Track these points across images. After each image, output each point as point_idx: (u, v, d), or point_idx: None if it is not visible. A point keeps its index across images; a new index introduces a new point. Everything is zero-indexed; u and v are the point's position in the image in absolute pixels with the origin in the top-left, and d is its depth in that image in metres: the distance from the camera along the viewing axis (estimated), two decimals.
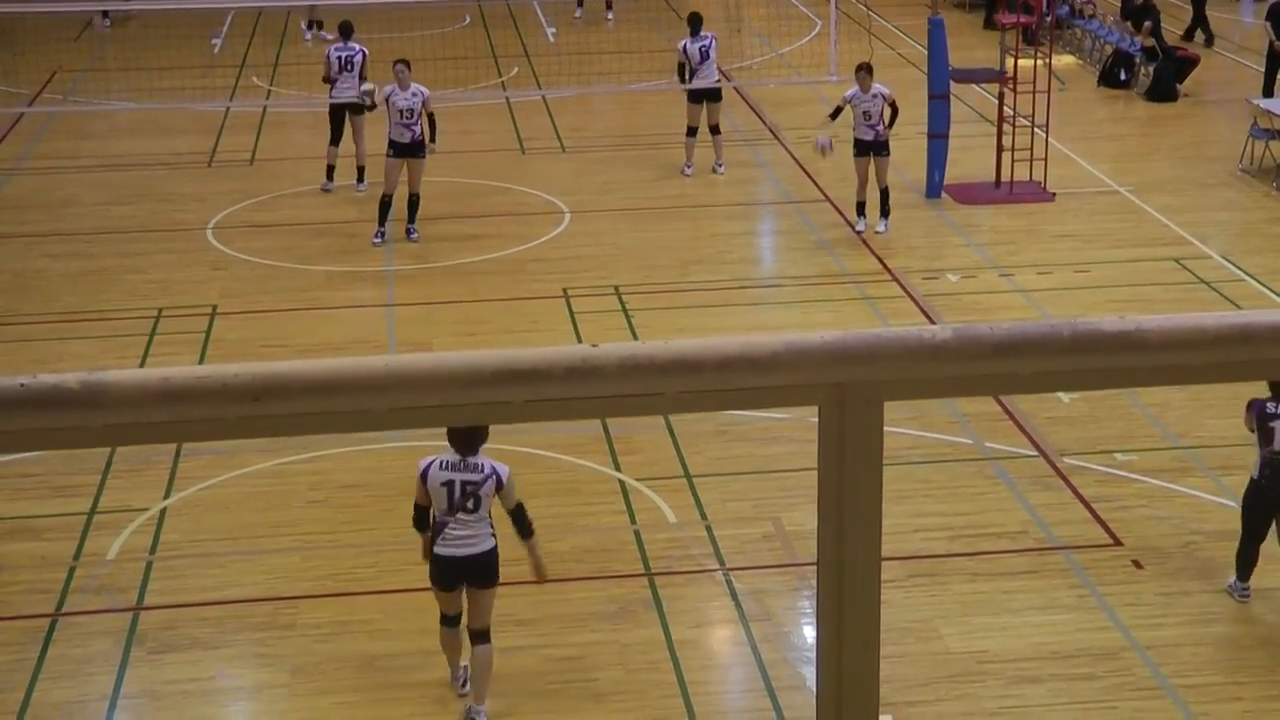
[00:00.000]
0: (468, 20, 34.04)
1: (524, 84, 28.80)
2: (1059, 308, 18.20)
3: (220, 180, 23.68)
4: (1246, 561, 12.50)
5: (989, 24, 32.52)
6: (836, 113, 20.69)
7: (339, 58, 22.56)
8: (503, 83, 29.11)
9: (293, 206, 22.55)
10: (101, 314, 18.61)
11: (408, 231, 20.58)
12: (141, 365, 16.79)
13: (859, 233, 20.77)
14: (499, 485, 10.90)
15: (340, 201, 22.53)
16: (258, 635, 12.44)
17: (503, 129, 26.07)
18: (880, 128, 20.47)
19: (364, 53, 22.62)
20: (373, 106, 21.37)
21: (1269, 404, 12.21)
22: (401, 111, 20.24)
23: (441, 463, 10.91)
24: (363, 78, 22.37)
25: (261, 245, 20.88)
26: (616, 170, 23.74)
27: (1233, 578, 12.58)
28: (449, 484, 10.88)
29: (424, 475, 10.94)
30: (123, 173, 24.08)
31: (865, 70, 20.53)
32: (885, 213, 20.78)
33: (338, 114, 22.63)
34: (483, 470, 10.89)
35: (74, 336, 18.01)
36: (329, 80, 22.64)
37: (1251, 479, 12.33)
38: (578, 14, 33.88)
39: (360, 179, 22.78)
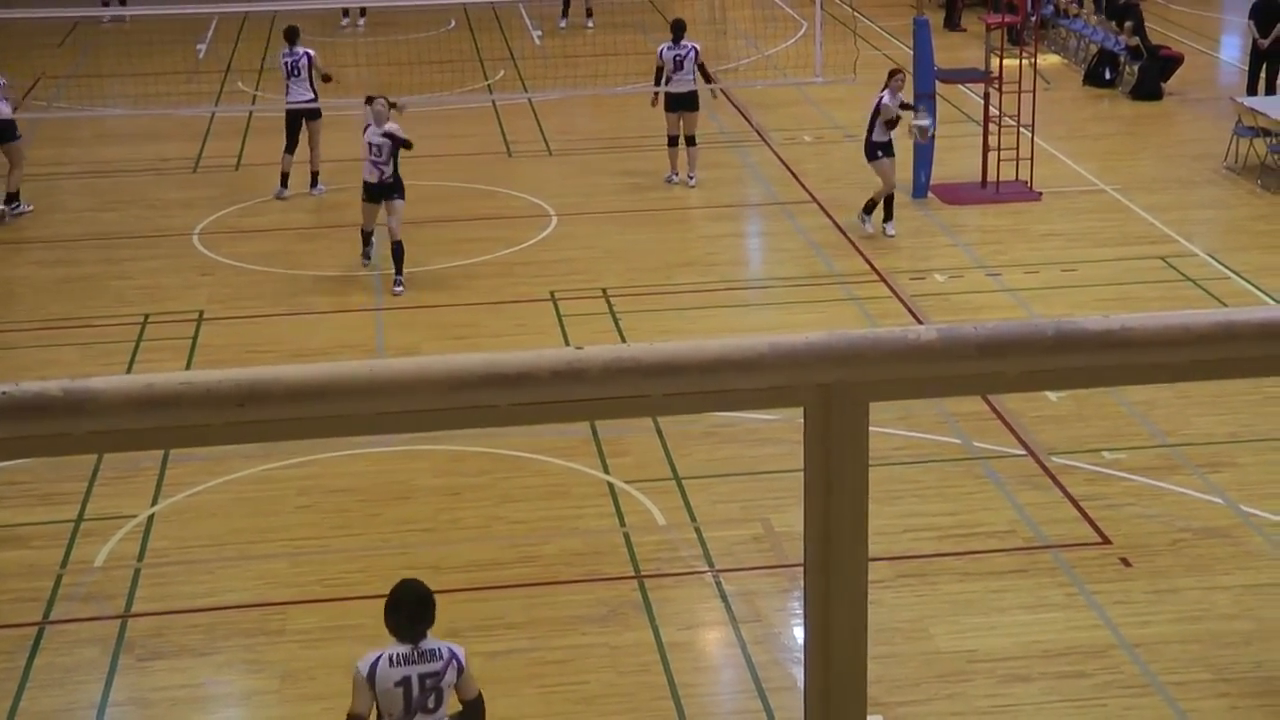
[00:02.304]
0: (453, 24, 34.04)
1: (510, 87, 28.80)
2: (1046, 307, 18.22)
3: (206, 186, 23.67)
4: None
5: (949, 24, 32.57)
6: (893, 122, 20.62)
7: (285, 63, 22.75)
8: (489, 86, 29.10)
9: (279, 211, 22.53)
10: (87, 321, 18.57)
11: (395, 283, 19.31)
12: (128, 372, 16.77)
13: (890, 237, 20.67)
14: (459, 671, 9.09)
15: (326, 206, 22.52)
16: (247, 641, 12.43)
17: (489, 132, 26.07)
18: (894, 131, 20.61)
19: (309, 55, 22.76)
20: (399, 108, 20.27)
21: None
22: (370, 147, 19.10)
23: (391, 658, 8.97)
24: (318, 78, 22.72)
25: (248, 250, 20.86)
26: (603, 173, 23.74)
27: None
28: (405, 681, 8.97)
29: (371, 677, 8.94)
30: (108, 179, 24.06)
31: (900, 77, 20.64)
32: (891, 214, 20.78)
33: (293, 120, 22.80)
34: (440, 656, 9.04)
35: (60, 344, 17.98)
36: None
37: None
38: (562, 23, 33.82)
39: (314, 183, 22.90)
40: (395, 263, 19.34)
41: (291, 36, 22.91)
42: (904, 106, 20.68)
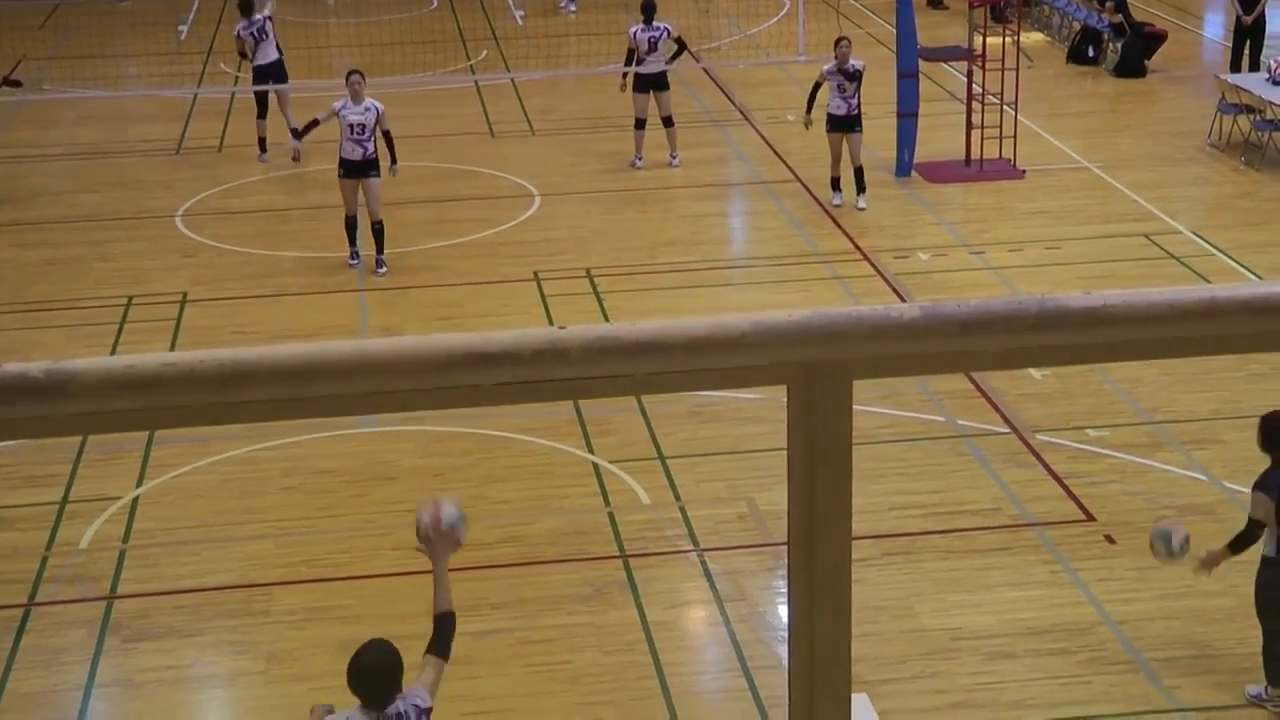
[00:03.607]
0: (435, 4, 33.96)
1: (493, 67, 28.75)
2: (1030, 285, 18.24)
3: (189, 167, 23.62)
4: (1277, 662, 11.08)
5: (932, 2, 32.53)
6: (814, 94, 20.67)
7: (249, 32, 23.54)
8: (471, 66, 29.05)
9: (262, 192, 22.50)
10: (71, 303, 18.54)
11: (376, 263, 19.29)
12: (112, 354, 16.74)
13: (836, 206, 20.83)
14: None
15: (309, 186, 22.47)
16: (232, 622, 12.43)
17: (472, 112, 26.02)
18: (855, 102, 20.54)
19: (268, 17, 23.77)
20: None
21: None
22: (352, 126, 18.99)
23: None
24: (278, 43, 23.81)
25: (231, 232, 20.82)
26: (586, 153, 23.71)
27: (1261, 686, 11.18)
28: None
29: None
30: (90, 161, 24.00)
31: (846, 43, 20.62)
32: (862, 189, 20.85)
33: (260, 80, 23.58)
34: (408, 718, 8.22)
35: (44, 326, 17.95)
36: (246, 55, 23.71)
37: (1265, 558, 10.95)
38: (563, 5, 33.52)
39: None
40: (376, 243, 19.29)
41: (246, 8, 23.54)
42: (850, 74, 20.55)
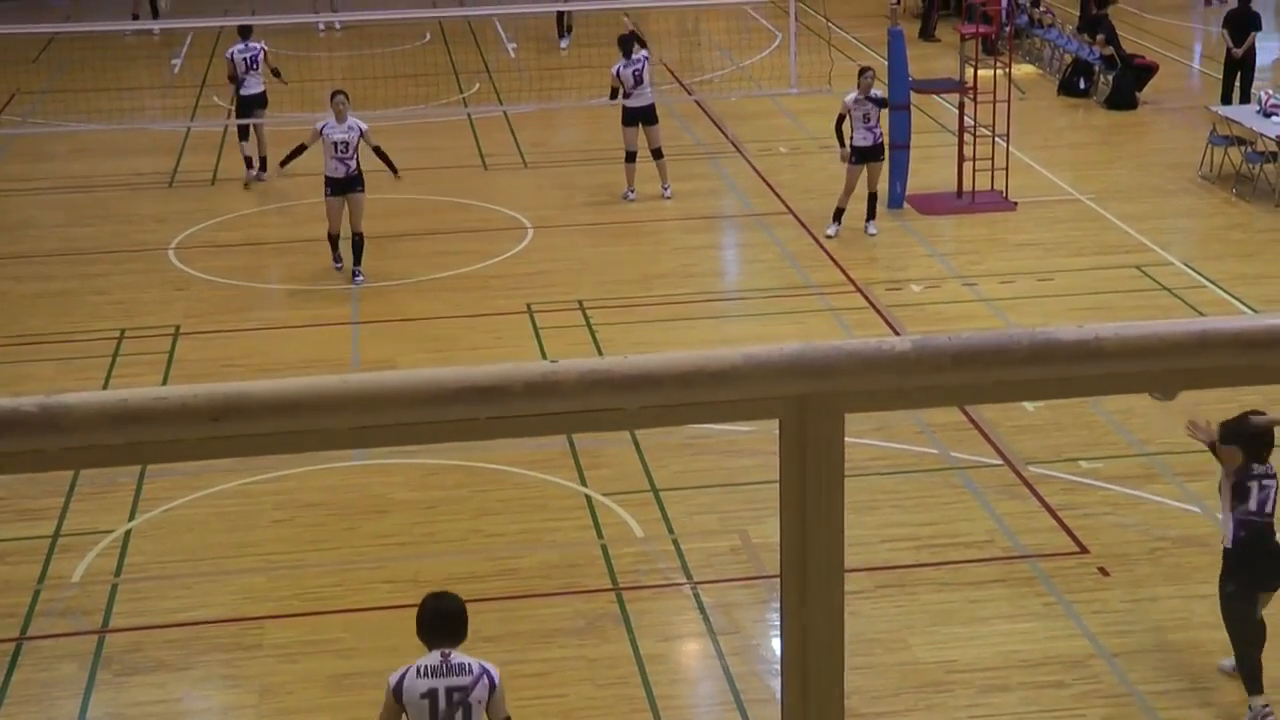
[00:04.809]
0: (428, 37, 34.01)
1: (485, 100, 28.79)
2: (1022, 316, 18.25)
3: (181, 200, 23.62)
4: (1253, 668, 11.14)
5: (924, 35, 32.62)
6: (840, 123, 20.70)
7: (244, 58, 24.06)
8: (464, 99, 29.09)
9: (254, 225, 22.50)
10: (63, 336, 18.52)
11: (354, 275, 19.83)
12: (104, 387, 16.73)
13: (829, 237, 20.86)
14: (491, 688, 8.94)
15: (302, 220, 22.47)
16: (224, 656, 12.39)
17: (465, 145, 26.05)
18: (879, 131, 20.67)
19: (263, 50, 24.28)
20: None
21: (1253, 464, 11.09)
22: (336, 144, 19.47)
23: (419, 669, 8.91)
24: (268, 72, 24.23)
25: (223, 265, 20.82)
26: (578, 185, 23.73)
27: (1261, 700, 11.16)
28: (431, 694, 8.87)
29: (398, 690, 8.88)
30: (83, 194, 24.00)
31: (870, 73, 20.73)
32: (873, 215, 20.96)
33: (245, 110, 24.12)
34: (471, 671, 8.92)
35: (36, 359, 17.92)
36: (236, 80, 24.10)
37: (1225, 551, 11.20)
38: (563, 45, 33.33)
39: (263, 168, 24.03)
40: (355, 254, 19.90)
41: (246, 33, 24.22)
42: (877, 102, 20.69)
